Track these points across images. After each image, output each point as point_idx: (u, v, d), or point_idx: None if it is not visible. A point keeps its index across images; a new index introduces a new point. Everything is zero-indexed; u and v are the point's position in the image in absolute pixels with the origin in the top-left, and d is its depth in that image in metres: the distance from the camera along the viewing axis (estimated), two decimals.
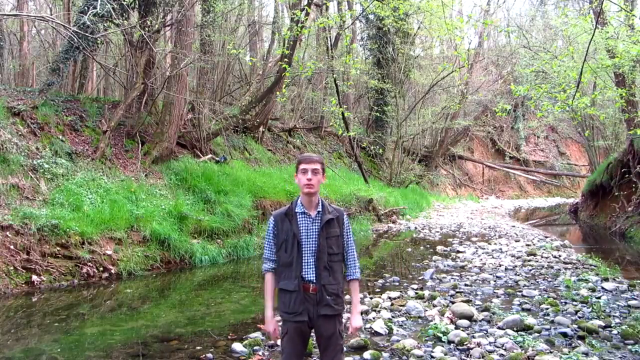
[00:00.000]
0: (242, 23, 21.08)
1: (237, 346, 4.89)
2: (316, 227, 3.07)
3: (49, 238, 7.62)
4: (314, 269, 3.03)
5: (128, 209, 9.16)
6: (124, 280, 7.96)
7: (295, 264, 3.03)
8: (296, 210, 3.10)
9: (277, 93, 14.35)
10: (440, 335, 5.14)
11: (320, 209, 3.11)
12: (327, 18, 11.01)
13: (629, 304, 6.41)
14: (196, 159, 12.86)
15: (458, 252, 10.86)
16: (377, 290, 7.37)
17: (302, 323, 3.03)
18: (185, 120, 13.81)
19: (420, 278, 8.21)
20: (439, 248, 11.31)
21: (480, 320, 5.74)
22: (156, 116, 13.21)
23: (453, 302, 6.38)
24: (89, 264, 7.82)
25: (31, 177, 8.83)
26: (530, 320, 5.60)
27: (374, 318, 5.76)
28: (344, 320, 3.29)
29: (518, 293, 7.06)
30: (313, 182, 3.04)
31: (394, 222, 16.28)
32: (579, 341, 5.06)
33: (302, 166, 3.08)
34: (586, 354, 4.64)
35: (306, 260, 3.05)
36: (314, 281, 3.03)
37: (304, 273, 3.04)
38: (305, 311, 3.02)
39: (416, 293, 6.96)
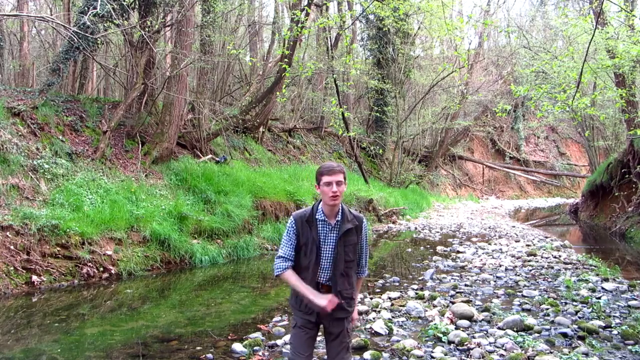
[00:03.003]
0: (242, 23, 21.09)
1: (237, 346, 4.89)
2: (334, 235, 3.10)
3: (49, 238, 7.62)
4: (329, 274, 3.10)
5: (128, 209, 9.15)
6: (124, 281, 7.96)
7: (312, 268, 3.08)
8: (316, 217, 3.11)
9: (277, 93, 14.36)
10: (441, 335, 5.14)
11: (339, 218, 3.11)
12: (327, 18, 11.01)
13: (629, 304, 6.41)
14: (196, 159, 12.86)
15: (458, 252, 10.86)
16: (377, 290, 7.37)
17: (310, 322, 3.12)
18: (185, 121, 13.81)
19: (420, 278, 8.21)
20: (439, 248, 11.31)
21: (480, 321, 5.73)
22: (156, 116, 13.21)
23: (453, 303, 6.38)
24: (89, 264, 7.82)
25: (31, 177, 8.83)
26: (530, 320, 5.60)
27: (374, 318, 5.76)
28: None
29: (518, 293, 7.05)
30: (339, 193, 3.03)
31: (394, 223, 16.28)
32: (579, 341, 5.06)
33: (326, 179, 3.03)
34: (586, 354, 4.64)
35: (323, 266, 3.10)
36: (328, 281, 3.11)
37: (320, 278, 3.11)
38: (315, 314, 3.08)
39: (416, 293, 6.96)
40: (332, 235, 3.09)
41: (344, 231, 3.08)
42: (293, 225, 3.13)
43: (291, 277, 3.06)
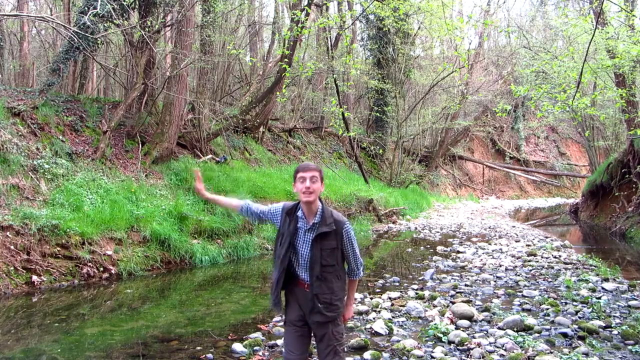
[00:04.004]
0: (242, 23, 21.10)
1: (237, 346, 4.88)
2: (310, 236, 3.08)
3: (49, 238, 7.62)
4: (307, 276, 3.09)
5: (128, 209, 9.15)
6: (124, 281, 7.96)
7: (282, 260, 3.10)
8: (297, 214, 3.13)
9: (277, 93, 14.36)
10: (441, 335, 5.14)
11: (317, 220, 3.07)
12: (327, 18, 11.01)
13: (629, 304, 6.41)
14: (196, 159, 12.86)
15: (458, 252, 10.86)
16: (378, 290, 7.37)
17: (296, 311, 3.14)
18: (186, 121, 13.81)
19: (420, 278, 8.21)
20: (439, 248, 11.31)
21: (480, 321, 5.73)
22: (156, 116, 13.21)
23: (453, 303, 6.38)
24: (89, 264, 7.82)
25: (31, 177, 8.84)
26: (530, 320, 5.60)
27: (374, 318, 5.76)
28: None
29: (518, 293, 7.05)
30: (312, 190, 3.02)
31: (394, 223, 16.28)
32: (579, 341, 5.06)
33: (299, 174, 3.07)
34: (586, 354, 4.64)
35: (300, 264, 3.12)
36: (307, 282, 3.11)
37: (302, 277, 3.13)
38: (279, 306, 3.17)
39: (416, 293, 6.96)
40: (309, 235, 3.08)
41: (319, 234, 3.05)
42: (279, 210, 3.22)
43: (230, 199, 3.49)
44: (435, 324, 5.44)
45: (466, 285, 7.64)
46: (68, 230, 7.82)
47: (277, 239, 3.19)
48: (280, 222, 3.18)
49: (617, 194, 15.42)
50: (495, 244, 11.94)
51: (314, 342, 3.24)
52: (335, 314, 3.10)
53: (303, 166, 3.11)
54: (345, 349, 4.51)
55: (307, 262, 3.07)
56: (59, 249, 7.68)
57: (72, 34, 10.52)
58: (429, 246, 11.86)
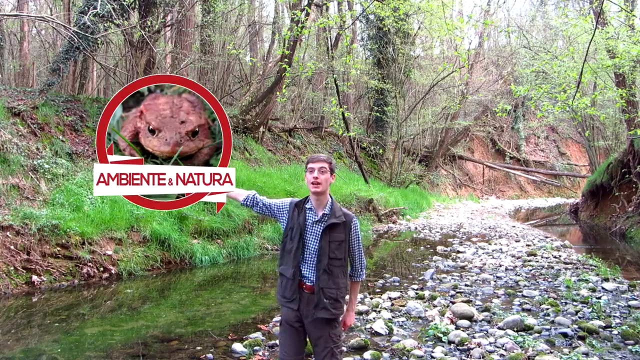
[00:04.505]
0: (242, 23, 21.11)
1: (238, 346, 4.89)
2: (319, 228, 3.07)
3: (49, 238, 7.62)
4: (313, 271, 3.04)
5: (128, 209, 9.15)
6: (124, 281, 7.96)
7: (295, 253, 3.05)
8: (306, 206, 3.13)
9: (277, 93, 14.36)
10: (441, 335, 5.14)
11: (327, 212, 3.08)
12: (327, 18, 11.00)
13: (629, 304, 6.42)
14: None
15: (458, 252, 10.86)
16: (378, 290, 7.37)
17: (293, 311, 3.05)
18: None
19: (420, 278, 8.22)
20: (439, 248, 11.31)
21: (480, 321, 5.74)
22: None
23: (453, 303, 6.39)
24: (89, 264, 7.82)
25: (31, 177, 8.84)
26: (530, 320, 5.60)
27: (374, 318, 5.76)
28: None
29: (518, 293, 7.06)
30: (320, 180, 3.04)
31: (394, 222, 16.28)
32: (579, 341, 5.06)
33: (309, 165, 3.11)
34: (586, 354, 4.64)
35: (306, 258, 3.07)
36: (312, 280, 3.04)
37: (304, 274, 3.07)
38: (297, 301, 3.04)
39: (416, 293, 6.96)
40: (317, 227, 3.07)
41: (329, 225, 3.04)
42: (287, 205, 3.21)
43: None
44: (435, 324, 5.44)
45: (466, 285, 7.64)
46: (68, 230, 7.82)
47: (286, 234, 3.15)
48: (287, 216, 3.16)
49: (617, 194, 15.42)
50: (495, 244, 11.94)
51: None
52: (339, 313, 3.08)
53: (313, 157, 3.14)
54: (344, 350, 4.53)
55: (314, 256, 3.04)
56: (59, 249, 7.68)
57: (72, 34, 10.53)
58: (429, 246, 11.86)
